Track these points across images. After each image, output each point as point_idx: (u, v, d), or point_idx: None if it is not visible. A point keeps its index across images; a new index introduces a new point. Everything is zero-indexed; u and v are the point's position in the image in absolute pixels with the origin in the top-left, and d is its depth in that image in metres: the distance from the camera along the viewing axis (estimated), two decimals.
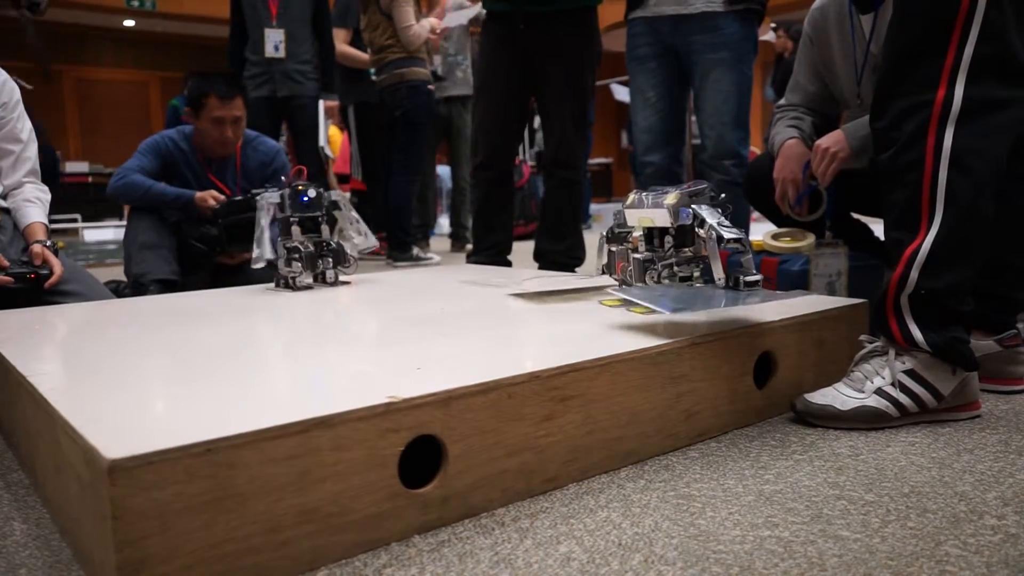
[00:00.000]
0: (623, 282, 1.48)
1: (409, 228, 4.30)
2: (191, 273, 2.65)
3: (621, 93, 7.16)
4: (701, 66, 2.44)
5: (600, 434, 1.05)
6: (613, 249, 1.52)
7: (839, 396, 1.24)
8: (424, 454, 0.90)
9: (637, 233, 1.48)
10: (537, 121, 6.87)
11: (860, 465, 1.07)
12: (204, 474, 0.74)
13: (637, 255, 1.42)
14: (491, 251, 2.91)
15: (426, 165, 4.90)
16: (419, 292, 1.84)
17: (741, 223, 2.50)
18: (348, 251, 1.94)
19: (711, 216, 1.31)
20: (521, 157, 6.65)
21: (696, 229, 1.34)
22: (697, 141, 2.74)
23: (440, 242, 5.75)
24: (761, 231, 2.02)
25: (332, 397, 0.88)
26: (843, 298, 1.47)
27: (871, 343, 1.28)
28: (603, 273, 1.55)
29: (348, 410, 0.83)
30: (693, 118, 4.09)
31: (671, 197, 1.37)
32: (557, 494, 0.99)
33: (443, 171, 6.68)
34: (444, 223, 6.81)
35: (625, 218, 1.50)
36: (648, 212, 1.43)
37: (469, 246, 5.13)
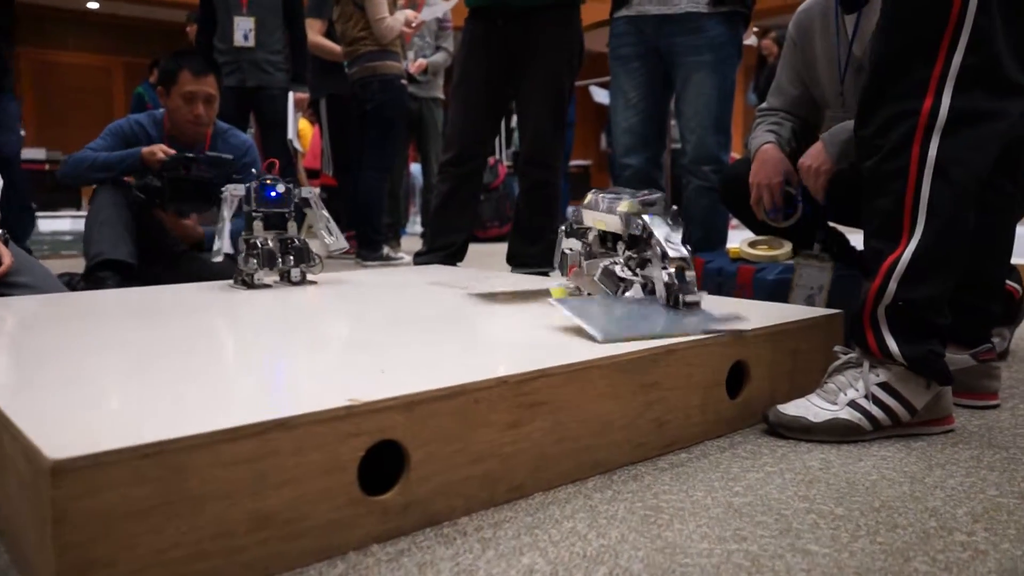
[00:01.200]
0: (573, 286, 1.52)
1: (380, 226, 4.28)
2: (148, 264, 2.60)
3: (600, 95, 7.18)
4: (683, 68, 2.46)
5: (568, 442, 1.05)
6: (566, 252, 1.55)
7: (812, 408, 1.25)
8: (385, 460, 0.90)
9: (591, 233, 1.50)
10: (515, 120, 6.88)
11: (831, 478, 1.08)
12: (153, 476, 0.73)
13: (593, 260, 1.44)
14: (443, 252, 2.86)
15: (398, 162, 4.89)
16: (387, 293, 1.83)
17: (719, 230, 2.52)
18: (317, 250, 1.93)
19: (660, 229, 1.32)
20: (496, 157, 6.65)
21: (647, 240, 1.36)
22: (677, 145, 2.76)
23: (411, 242, 5.73)
24: (739, 238, 2.04)
25: (290, 399, 0.87)
26: (815, 308, 1.49)
27: (845, 354, 1.30)
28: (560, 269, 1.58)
29: (307, 412, 0.82)
30: (673, 121, 4.12)
31: (624, 204, 1.38)
32: (522, 503, 0.99)
33: (416, 168, 6.66)
34: (416, 222, 6.80)
35: (581, 217, 1.52)
36: (602, 216, 1.45)
37: None
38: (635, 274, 1.39)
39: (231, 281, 1.92)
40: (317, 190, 2.04)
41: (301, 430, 0.81)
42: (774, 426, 1.26)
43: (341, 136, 4.44)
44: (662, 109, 2.59)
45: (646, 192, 1.39)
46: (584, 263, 1.48)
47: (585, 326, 1.21)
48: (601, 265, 1.43)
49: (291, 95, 4.15)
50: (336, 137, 4.45)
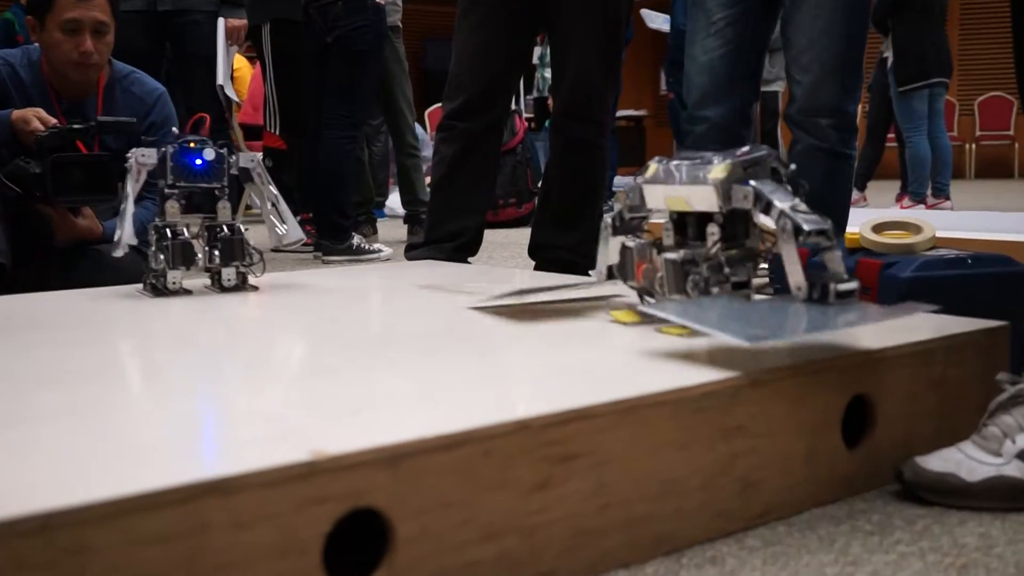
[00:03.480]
0: (645, 292, 1.49)
1: (348, 207, 4.31)
2: (25, 262, 2.62)
3: (656, 20, 7.17)
4: None
5: (617, 510, 1.05)
6: (629, 244, 1.51)
7: (966, 462, 1.25)
8: (361, 536, 0.91)
9: (662, 220, 1.48)
10: (538, 52, 6.89)
11: (994, 562, 1.08)
12: (39, 561, 0.74)
13: (671, 255, 1.41)
14: (448, 245, 2.85)
15: (373, 115, 4.91)
16: (360, 301, 1.85)
17: (838, 208, 2.50)
18: (260, 244, 1.94)
19: (781, 199, 1.31)
20: (513, 105, 6.66)
21: (756, 216, 1.35)
22: (774, 89, 2.73)
23: (392, 227, 5.76)
24: (859, 220, 2.04)
25: (229, 452, 0.88)
26: (973, 319, 1.49)
27: (1014, 385, 1.30)
28: (611, 278, 1.56)
29: (252, 471, 0.83)
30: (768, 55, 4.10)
31: (718, 169, 1.36)
32: None
33: None
34: (397, 200, 6.82)
35: (643, 198, 1.49)
36: (682, 190, 1.42)
37: None
38: (726, 279, 1.37)
39: (140, 286, 1.95)
40: (260, 156, 2.05)
41: (243, 496, 0.82)
42: (912, 487, 1.26)
43: (291, 80, 4.47)
44: (760, 37, 2.58)
45: (745, 150, 1.36)
46: (659, 259, 1.44)
47: (712, 330, 1.20)
48: (682, 265, 1.40)
49: (221, 22, 4.18)
50: (284, 82, 4.48)
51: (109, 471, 0.83)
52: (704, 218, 1.40)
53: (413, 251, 2.94)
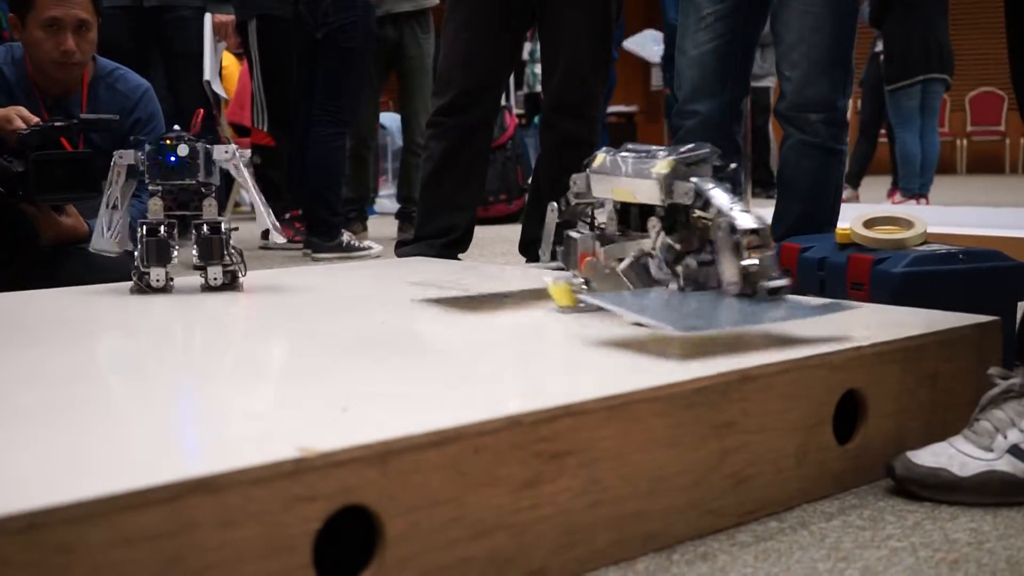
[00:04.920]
0: (587, 282, 1.54)
1: (337, 204, 4.30)
2: (6, 264, 2.61)
3: (643, 46, 7.11)
4: None
5: (608, 508, 1.06)
6: (573, 236, 1.56)
7: (957, 456, 1.25)
8: (351, 534, 0.91)
9: (606, 209, 1.51)
10: (528, 48, 6.89)
11: (985, 557, 1.08)
12: (24, 560, 0.74)
13: (614, 248, 1.49)
14: (438, 241, 2.85)
15: (363, 111, 4.90)
16: (350, 299, 1.84)
17: (828, 205, 2.50)
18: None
19: (720, 196, 1.35)
20: (503, 101, 6.66)
21: (694, 212, 1.38)
22: (764, 84, 2.74)
23: (382, 224, 5.76)
24: (850, 216, 2.04)
25: (216, 450, 0.88)
26: (964, 314, 1.49)
27: (1005, 379, 1.30)
28: (554, 259, 1.61)
29: (239, 468, 0.83)
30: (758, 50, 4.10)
31: (662, 164, 1.41)
32: None
33: (388, 120, 6.67)
34: (388, 197, 6.82)
35: (589, 186, 1.54)
36: (627, 182, 1.47)
37: None
38: (673, 271, 1.42)
39: (128, 284, 1.94)
40: (248, 152, 2.04)
41: (231, 494, 0.82)
42: (904, 482, 1.26)
43: (279, 76, 4.46)
44: (750, 32, 2.58)
45: (691, 146, 1.42)
46: (601, 250, 1.51)
47: (650, 321, 1.23)
48: (631, 255, 1.46)
49: (208, 18, 4.17)
50: (272, 77, 4.47)
51: (95, 469, 0.83)
52: (647, 210, 1.45)
53: (403, 247, 2.93)
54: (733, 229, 1.32)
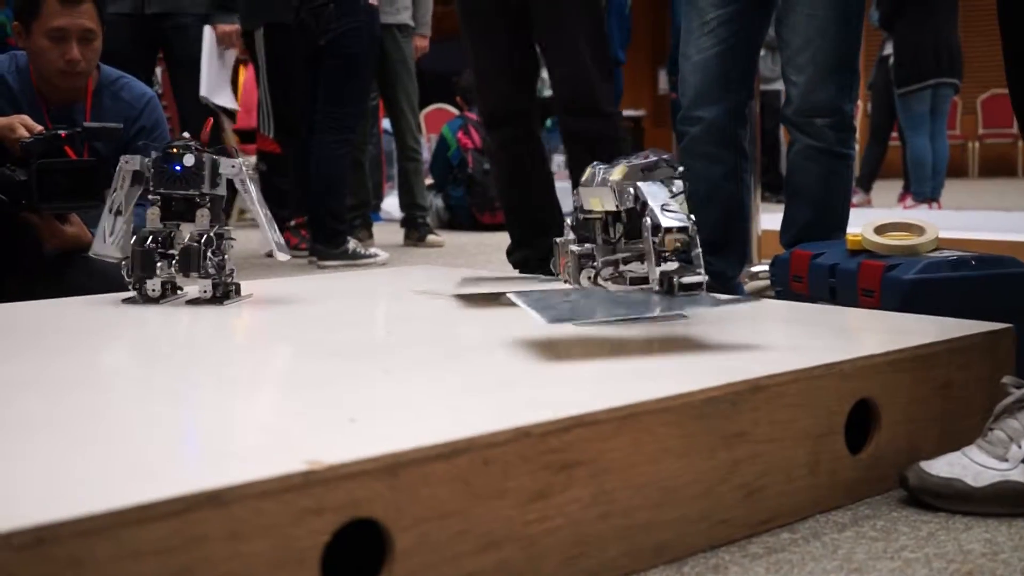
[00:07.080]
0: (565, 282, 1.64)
1: (342, 211, 4.30)
2: (9, 273, 2.61)
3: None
4: None
5: (618, 519, 1.06)
6: (557, 240, 1.69)
7: (971, 466, 1.25)
8: (360, 546, 0.91)
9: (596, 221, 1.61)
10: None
11: (1000, 568, 1.08)
12: (33, 575, 0.74)
13: (574, 248, 1.58)
14: (538, 239, 2.95)
15: (367, 117, 4.91)
16: (355, 308, 1.85)
17: (837, 210, 2.49)
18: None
19: (655, 197, 1.42)
20: None
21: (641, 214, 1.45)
22: (775, 87, 2.74)
23: (388, 230, 5.76)
24: (861, 222, 2.04)
25: (224, 462, 0.88)
26: (977, 322, 1.49)
27: (1019, 388, 1.30)
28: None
29: (248, 481, 0.83)
30: (763, 52, 4.10)
31: (616, 171, 1.49)
32: None
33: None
34: (393, 203, 6.82)
35: (581, 200, 1.63)
36: (596, 191, 1.56)
37: (432, 236, 5.15)
38: (619, 272, 1.51)
39: (132, 293, 1.94)
40: (253, 160, 2.04)
41: (239, 507, 0.83)
42: (917, 492, 1.26)
43: (284, 83, 4.47)
44: (754, 37, 2.58)
45: (646, 153, 1.49)
46: (568, 249, 1.61)
47: (533, 312, 1.31)
48: (600, 261, 1.54)
49: (207, 30, 4.17)
50: (278, 85, 4.48)
51: (104, 483, 0.83)
52: (617, 217, 1.54)
53: (511, 256, 3.07)
54: (656, 229, 1.38)
